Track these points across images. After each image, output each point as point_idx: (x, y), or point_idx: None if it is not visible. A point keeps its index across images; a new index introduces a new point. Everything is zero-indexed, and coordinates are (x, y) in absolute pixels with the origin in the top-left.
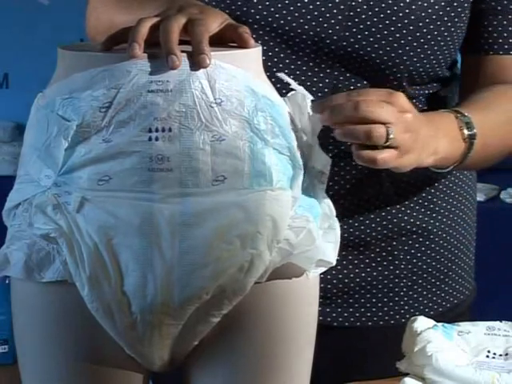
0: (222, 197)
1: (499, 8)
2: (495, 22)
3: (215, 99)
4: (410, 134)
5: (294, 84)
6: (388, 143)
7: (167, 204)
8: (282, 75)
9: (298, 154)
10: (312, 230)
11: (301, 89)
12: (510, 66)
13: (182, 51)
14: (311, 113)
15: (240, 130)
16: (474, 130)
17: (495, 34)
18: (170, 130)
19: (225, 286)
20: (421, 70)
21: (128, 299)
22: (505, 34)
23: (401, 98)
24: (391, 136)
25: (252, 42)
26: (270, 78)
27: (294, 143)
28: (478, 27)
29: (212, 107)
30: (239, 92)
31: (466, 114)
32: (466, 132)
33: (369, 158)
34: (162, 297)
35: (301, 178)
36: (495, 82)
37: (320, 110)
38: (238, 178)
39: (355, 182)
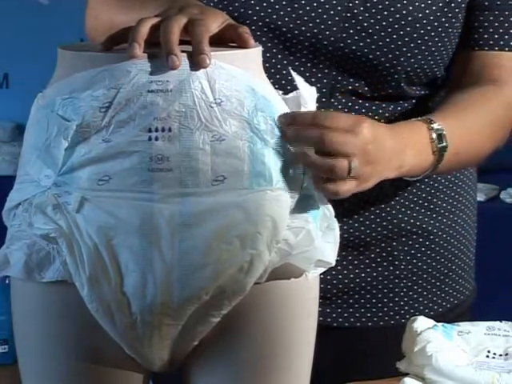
0: (222, 197)
1: (486, 3)
2: (481, 18)
3: (215, 99)
4: (371, 166)
5: (301, 82)
6: (350, 176)
7: (167, 204)
8: (291, 71)
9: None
10: (311, 231)
11: (308, 87)
12: (495, 62)
13: (182, 51)
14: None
15: (240, 130)
16: (445, 143)
17: (481, 30)
18: (169, 129)
19: (225, 286)
20: (418, 70)
21: (128, 299)
22: (490, 30)
23: (365, 127)
24: (353, 170)
25: (252, 42)
26: (268, 78)
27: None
28: (466, 23)
29: (212, 107)
30: (239, 92)
31: (439, 125)
32: (436, 145)
33: (331, 192)
34: (161, 297)
35: (300, 178)
36: (481, 78)
37: (284, 124)
38: (237, 178)
39: None
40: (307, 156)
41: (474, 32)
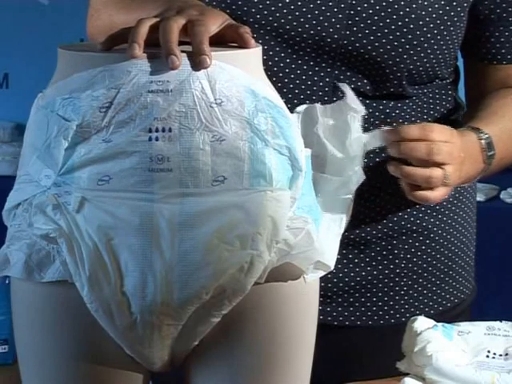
0: (222, 197)
1: (497, 18)
2: (497, 33)
3: (215, 99)
4: (459, 172)
5: (351, 96)
6: (444, 184)
7: (167, 204)
8: (343, 86)
9: (298, 155)
10: (310, 232)
11: (356, 102)
12: None
13: (182, 51)
14: (361, 133)
15: (240, 130)
16: (494, 151)
17: (498, 45)
18: (170, 130)
19: (225, 286)
20: (420, 68)
21: (128, 299)
22: (507, 45)
23: (458, 137)
24: (447, 180)
25: (253, 42)
26: (271, 77)
27: (295, 144)
28: (480, 36)
29: (212, 107)
30: (239, 92)
31: (487, 134)
32: (487, 153)
33: (422, 199)
34: (161, 297)
35: (300, 178)
36: (502, 86)
37: (387, 140)
38: (237, 178)
39: None
40: (403, 168)
41: (489, 46)
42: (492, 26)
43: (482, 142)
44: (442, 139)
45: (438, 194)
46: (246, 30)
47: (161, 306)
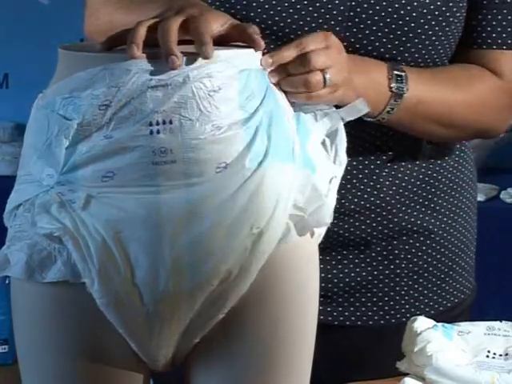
0: (226, 183)
1: (485, 2)
2: (489, 16)
3: (213, 87)
4: (345, 74)
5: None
6: (325, 86)
7: (172, 195)
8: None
9: (293, 130)
10: (316, 184)
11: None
12: (494, 59)
13: (182, 52)
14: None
15: (237, 116)
16: (404, 84)
17: (479, 29)
18: (170, 122)
19: (232, 269)
20: (422, 65)
21: (139, 291)
22: (498, 29)
23: (336, 39)
24: (328, 81)
25: (263, 44)
26: None
27: (290, 122)
28: (471, 21)
29: (210, 96)
30: (236, 80)
31: (403, 70)
32: (394, 84)
33: (304, 99)
34: (173, 286)
35: (297, 149)
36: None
37: (265, 65)
38: (238, 162)
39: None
40: (283, 81)
41: (472, 31)
42: (485, 8)
43: (390, 70)
44: (318, 46)
45: (321, 93)
46: (255, 31)
47: (173, 294)
